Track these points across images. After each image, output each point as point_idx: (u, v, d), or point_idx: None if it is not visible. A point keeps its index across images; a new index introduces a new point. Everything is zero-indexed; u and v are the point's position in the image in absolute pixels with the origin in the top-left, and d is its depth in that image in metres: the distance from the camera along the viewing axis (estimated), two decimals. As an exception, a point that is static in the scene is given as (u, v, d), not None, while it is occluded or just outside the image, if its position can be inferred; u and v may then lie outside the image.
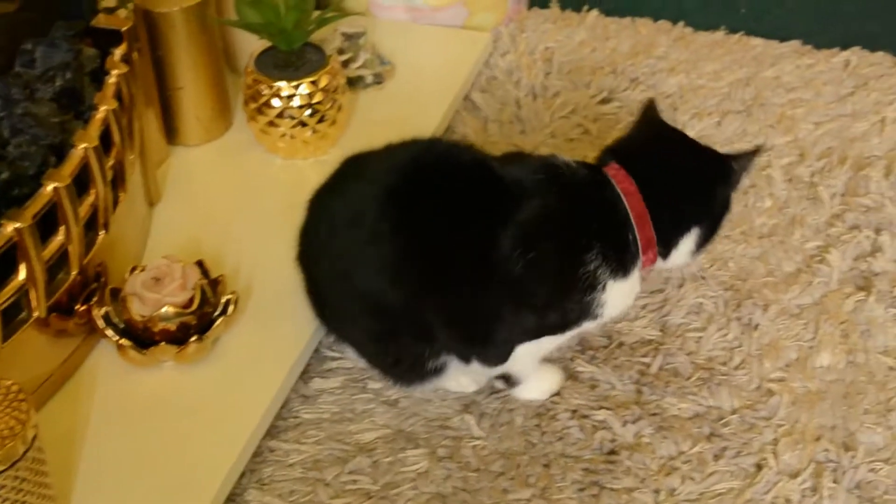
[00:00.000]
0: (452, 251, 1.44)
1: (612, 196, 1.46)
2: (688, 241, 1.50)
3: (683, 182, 1.50)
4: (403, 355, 1.54)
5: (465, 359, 1.52)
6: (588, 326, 1.51)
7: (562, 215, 1.44)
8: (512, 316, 1.46)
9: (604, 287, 1.45)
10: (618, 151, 1.51)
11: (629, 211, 1.45)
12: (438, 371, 1.55)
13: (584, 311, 1.47)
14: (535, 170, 1.47)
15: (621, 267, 1.46)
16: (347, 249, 1.50)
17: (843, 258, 1.79)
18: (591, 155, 1.95)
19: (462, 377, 1.62)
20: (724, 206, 1.53)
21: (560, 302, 1.46)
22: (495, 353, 1.52)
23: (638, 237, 1.46)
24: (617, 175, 1.46)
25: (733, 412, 1.59)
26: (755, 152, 1.51)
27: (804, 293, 1.74)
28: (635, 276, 1.49)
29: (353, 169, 1.57)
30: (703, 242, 1.52)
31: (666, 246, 1.49)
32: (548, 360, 1.63)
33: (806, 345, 1.67)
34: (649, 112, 1.56)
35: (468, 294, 1.45)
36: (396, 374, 1.59)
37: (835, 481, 1.50)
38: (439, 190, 1.47)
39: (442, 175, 1.49)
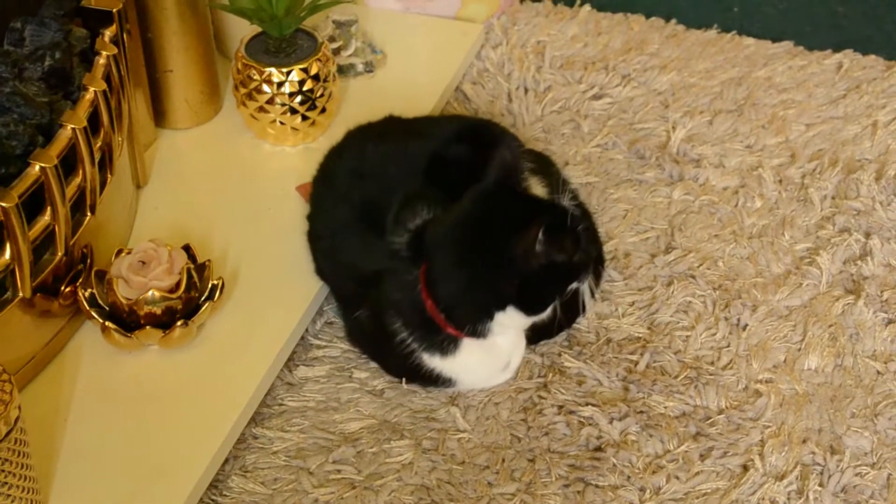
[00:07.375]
0: None
1: None
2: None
3: None
4: None
5: None
6: None
7: None
8: None
9: None
10: None
11: None
12: None
13: None
14: None
15: None
16: None
17: (833, 261, 1.78)
18: (581, 151, 1.96)
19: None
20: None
21: None
22: None
23: None
24: None
25: (720, 412, 1.58)
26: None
27: (793, 295, 1.74)
28: None
29: None
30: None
31: None
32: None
33: (794, 347, 1.67)
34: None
35: None
36: None
37: (821, 484, 1.49)
38: None
39: None
